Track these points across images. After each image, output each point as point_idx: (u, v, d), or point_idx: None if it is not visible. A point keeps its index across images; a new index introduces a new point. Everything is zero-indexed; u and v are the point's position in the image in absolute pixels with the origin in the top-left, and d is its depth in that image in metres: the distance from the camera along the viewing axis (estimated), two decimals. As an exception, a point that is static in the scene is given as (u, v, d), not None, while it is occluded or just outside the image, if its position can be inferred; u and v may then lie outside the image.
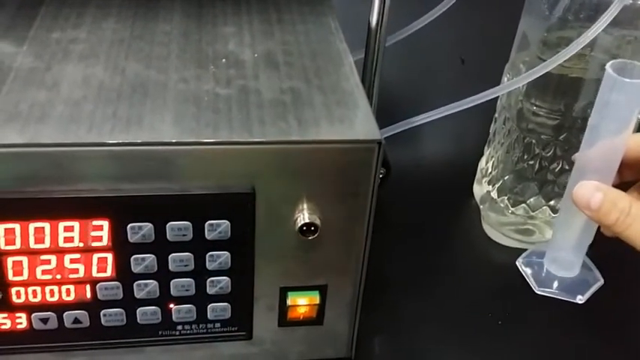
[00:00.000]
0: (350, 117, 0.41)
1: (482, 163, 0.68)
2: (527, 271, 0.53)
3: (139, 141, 0.37)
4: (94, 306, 0.43)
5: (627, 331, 0.51)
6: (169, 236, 0.40)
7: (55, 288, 0.42)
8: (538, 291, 0.52)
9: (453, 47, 0.78)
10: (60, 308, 0.42)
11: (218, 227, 0.41)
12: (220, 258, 0.42)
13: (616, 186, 0.46)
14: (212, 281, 0.43)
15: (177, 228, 0.40)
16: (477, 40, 0.78)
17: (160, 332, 0.45)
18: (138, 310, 0.43)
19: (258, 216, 0.41)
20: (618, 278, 0.53)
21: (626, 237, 0.42)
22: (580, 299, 0.51)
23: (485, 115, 0.67)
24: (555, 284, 0.52)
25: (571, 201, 0.46)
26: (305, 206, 0.41)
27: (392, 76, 0.76)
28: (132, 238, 0.40)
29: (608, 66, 0.42)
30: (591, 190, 0.44)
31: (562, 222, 0.50)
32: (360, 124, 0.41)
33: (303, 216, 0.41)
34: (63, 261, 0.40)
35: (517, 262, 0.54)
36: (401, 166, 0.73)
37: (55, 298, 0.42)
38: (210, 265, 0.42)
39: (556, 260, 0.52)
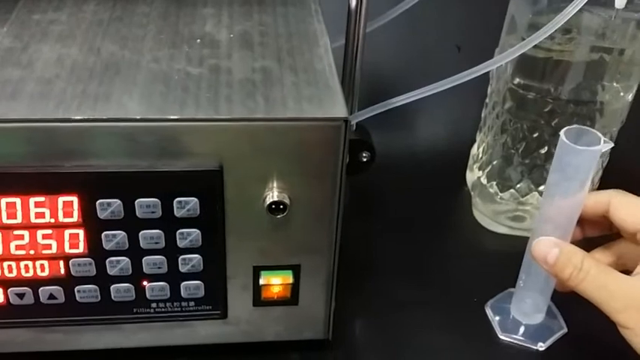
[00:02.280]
0: (319, 96, 0.41)
1: (474, 150, 0.67)
2: (495, 318, 0.54)
3: (103, 117, 0.38)
4: (68, 282, 0.43)
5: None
6: (138, 213, 0.41)
7: (30, 263, 0.42)
8: (501, 336, 0.52)
9: (449, 33, 0.77)
10: (35, 284, 0.43)
11: (187, 205, 0.41)
12: (191, 236, 0.42)
13: (579, 242, 0.48)
14: (184, 259, 0.43)
15: (146, 205, 0.40)
16: (475, 25, 0.77)
17: (134, 310, 0.45)
18: (112, 287, 0.44)
19: (228, 194, 0.41)
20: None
21: (580, 291, 0.45)
22: (541, 346, 0.52)
23: (483, 103, 0.66)
24: (521, 330, 0.53)
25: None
26: (274, 184, 0.41)
27: (386, 61, 0.76)
28: (101, 214, 0.40)
29: (562, 132, 0.44)
30: (549, 245, 0.46)
31: (526, 265, 0.51)
32: (328, 103, 0.40)
33: (272, 194, 0.41)
34: (36, 236, 0.41)
35: (485, 307, 0.55)
36: (395, 153, 0.74)
37: (30, 274, 0.43)
38: (180, 243, 0.42)
39: (522, 305, 0.53)
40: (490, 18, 0.61)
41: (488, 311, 0.54)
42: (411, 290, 0.57)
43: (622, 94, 0.56)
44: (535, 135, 0.57)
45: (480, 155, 0.64)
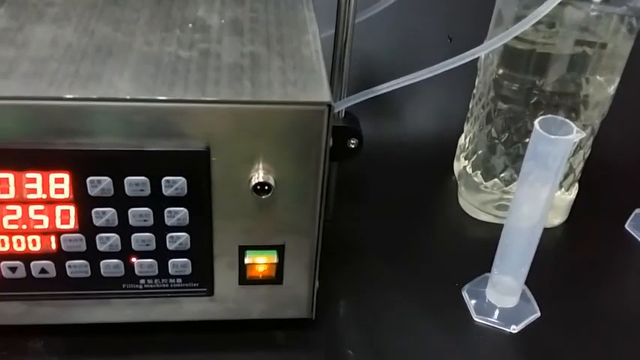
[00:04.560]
0: (304, 80, 0.42)
1: (461, 140, 0.69)
2: (471, 302, 0.55)
3: (94, 96, 0.39)
4: (59, 257, 0.45)
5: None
6: (128, 191, 0.42)
7: (22, 238, 0.44)
8: (476, 319, 0.54)
9: (440, 25, 0.78)
10: (27, 258, 0.44)
11: (175, 184, 0.42)
12: (178, 214, 0.44)
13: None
14: (171, 237, 0.45)
15: (135, 183, 0.42)
16: (467, 17, 0.78)
17: (123, 285, 0.47)
18: (101, 263, 0.45)
19: (215, 174, 0.43)
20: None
21: None
22: (514, 329, 0.53)
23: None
24: (496, 314, 0.54)
25: (510, 226, 0.51)
26: (260, 166, 0.43)
27: (378, 51, 0.77)
28: (92, 191, 0.42)
29: (536, 122, 0.46)
30: None
31: (501, 250, 0.53)
32: (312, 88, 0.42)
33: (258, 175, 0.43)
34: (28, 212, 0.43)
35: (462, 291, 0.56)
36: (385, 141, 0.75)
37: (22, 248, 0.44)
38: (168, 221, 0.44)
39: (496, 289, 0.55)
40: (483, 9, 0.62)
41: (465, 295, 0.56)
42: (394, 273, 0.58)
43: (605, 86, 0.58)
44: (518, 125, 0.59)
45: (467, 145, 0.66)
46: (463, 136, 0.68)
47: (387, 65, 0.76)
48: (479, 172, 0.63)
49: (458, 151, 0.69)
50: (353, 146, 0.58)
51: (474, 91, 0.65)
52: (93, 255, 0.45)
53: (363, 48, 0.68)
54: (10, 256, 0.44)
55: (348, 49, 0.54)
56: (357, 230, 0.64)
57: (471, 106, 0.66)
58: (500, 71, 0.58)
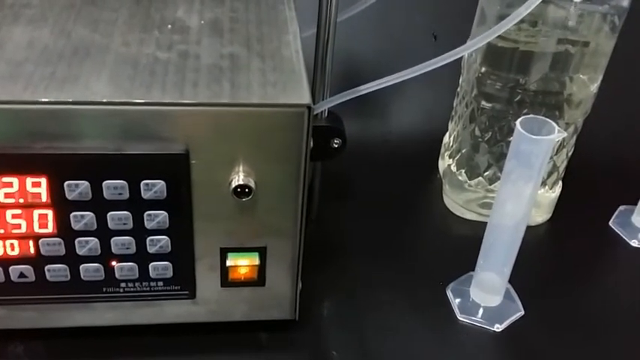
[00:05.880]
0: (283, 82, 0.42)
1: (445, 138, 0.69)
2: (455, 301, 0.55)
3: (70, 99, 0.38)
4: (38, 261, 0.44)
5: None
6: (106, 195, 0.42)
7: (0, 242, 0.43)
8: (460, 317, 0.54)
9: (425, 23, 0.78)
10: (6, 262, 0.44)
11: (154, 187, 0.42)
12: (158, 217, 0.43)
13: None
14: (152, 240, 0.44)
15: (114, 187, 0.41)
16: (452, 15, 0.78)
17: (104, 289, 0.46)
18: (81, 267, 0.45)
19: (195, 177, 0.42)
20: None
21: None
22: (497, 327, 0.53)
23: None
24: (480, 312, 0.54)
25: (493, 224, 0.51)
26: (240, 168, 0.42)
27: (363, 50, 0.77)
28: (69, 195, 0.41)
29: (517, 122, 0.46)
30: None
31: (485, 249, 0.53)
32: (292, 89, 0.41)
33: (238, 178, 0.42)
34: (5, 216, 0.42)
35: (446, 290, 0.56)
36: (371, 140, 0.75)
37: (0, 253, 0.43)
38: (148, 225, 0.43)
39: (480, 287, 0.55)
40: (468, 7, 0.62)
41: (449, 294, 0.56)
42: (379, 272, 0.58)
43: (588, 85, 0.58)
44: (502, 124, 0.59)
45: (451, 143, 0.66)
46: (447, 134, 0.68)
47: (371, 64, 0.76)
48: (463, 171, 0.63)
49: (442, 149, 0.69)
50: (336, 146, 0.58)
51: (458, 89, 0.65)
52: (72, 259, 0.44)
53: (347, 47, 0.68)
54: (-12, 260, 0.44)
55: (330, 49, 0.54)
56: (341, 229, 0.63)
57: (455, 104, 0.66)
58: (483, 69, 0.58)
